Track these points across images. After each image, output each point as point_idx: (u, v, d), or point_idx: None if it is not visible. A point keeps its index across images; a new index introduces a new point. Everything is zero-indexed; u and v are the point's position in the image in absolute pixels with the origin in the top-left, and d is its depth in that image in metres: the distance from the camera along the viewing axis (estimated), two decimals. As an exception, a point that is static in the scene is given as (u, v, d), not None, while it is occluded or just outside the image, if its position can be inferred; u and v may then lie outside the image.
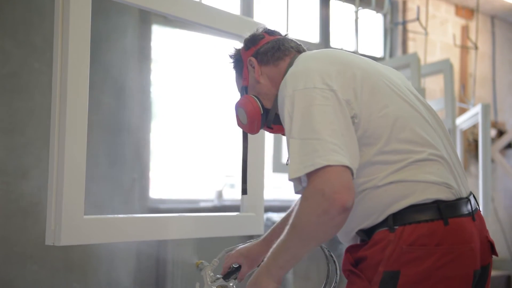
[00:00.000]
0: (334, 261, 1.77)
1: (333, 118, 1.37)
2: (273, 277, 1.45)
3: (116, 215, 1.98)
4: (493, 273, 6.03)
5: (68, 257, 3.26)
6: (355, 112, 1.42)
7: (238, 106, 1.71)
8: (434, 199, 1.41)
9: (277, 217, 4.04)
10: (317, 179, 1.31)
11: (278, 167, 4.02)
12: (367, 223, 1.45)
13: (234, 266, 1.87)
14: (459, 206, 1.44)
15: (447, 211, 1.41)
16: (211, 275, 1.83)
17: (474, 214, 1.48)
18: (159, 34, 4.09)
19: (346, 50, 1.69)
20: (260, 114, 1.67)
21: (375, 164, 1.42)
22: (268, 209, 4.21)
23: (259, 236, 1.99)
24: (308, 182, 1.34)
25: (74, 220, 1.80)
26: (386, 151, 1.43)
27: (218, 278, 1.84)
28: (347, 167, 1.32)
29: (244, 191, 1.83)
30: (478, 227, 1.48)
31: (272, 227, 1.91)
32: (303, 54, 1.64)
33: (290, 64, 1.63)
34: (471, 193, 1.54)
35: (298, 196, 1.58)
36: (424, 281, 1.37)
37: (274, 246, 1.45)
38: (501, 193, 6.53)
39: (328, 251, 1.75)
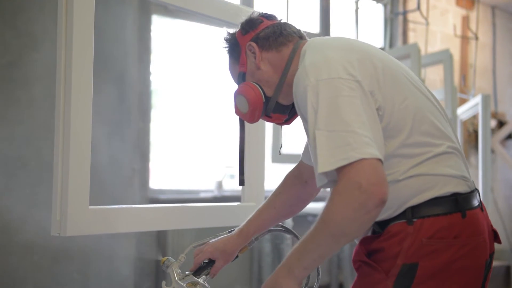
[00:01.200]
0: None
1: (361, 110, 1.33)
2: (295, 279, 1.38)
3: (121, 206, 1.98)
4: (493, 263, 6.05)
5: (68, 247, 3.27)
6: (380, 104, 1.39)
7: (239, 93, 1.63)
8: (453, 192, 1.41)
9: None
10: (352, 172, 1.26)
11: (277, 157, 4.02)
12: (384, 216, 1.43)
13: (204, 261, 1.80)
14: (472, 198, 1.45)
15: (464, 203, 1.41)
16: (178, 272, 1.74)
17: (482, 205, 1.50)
18: (159, 25, 4.08)
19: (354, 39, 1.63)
20: (262, 102, 1.60)
21: (397, 157, 1.41)
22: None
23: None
24: (340, 175, 1.29)
25: (79, 211, 1.80)
26: (408, 144, 1.41)
27: (187, 275, 1.76)
28: (379, 160, 1.29)
29: (242, 182, 1.78)
30: (485, 217, 1.50)
31: (248, 219, 1.84)
32: (314, 42, 1.55)
33: (293, 51, 1.57)
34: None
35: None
36: (441, 273, 1.37)
37: (297, 245, 1.38)
38: (501, 183, 6.54)
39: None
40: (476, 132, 5.93)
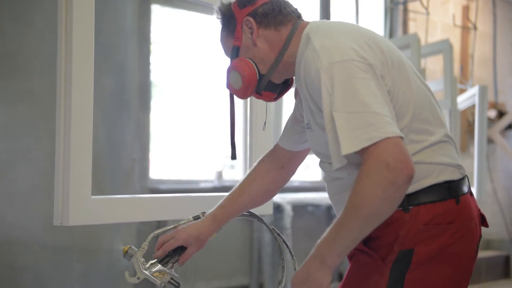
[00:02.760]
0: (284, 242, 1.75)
1: (376, 91, 1.34)
2: (329, 268, 1.37)
3: (122, 195, 1.98)
4: (492, 253, 6.07)
5: (69, 237, 3.27)
6: (389, 88, 1.40)
7: (233, 69, 1.58)
8: (447, 180, 1.44)
9: (279, 197, 4.05)
10: (378, 152, 1.27)
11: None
12: None
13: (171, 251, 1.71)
14: (463, 184, 1.48)
15: (457, 189, 1.44)
16: (142, 261, 1.66)
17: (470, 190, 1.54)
18: (159, 14, 4.07)
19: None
20: (256, 80, 1.57)
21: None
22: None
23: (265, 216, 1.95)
24: (365, 157, 1.29)
25: (81, 201, 1.80)
26: (411, 130, 1.43)
27: (152, 264, 1.68)
28: (401, 137, 1.30)
29: (233, 156, 1.76)
30: (475, 202, 1.54)
31: (220, 204, 1.81)
32: (318, 26, 1.53)
33: (292, 32, 1.55)
34: None
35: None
36: (436, 257, 1.40)
37: (327, 233, 1.36)
38: (500, 174, 6.54)
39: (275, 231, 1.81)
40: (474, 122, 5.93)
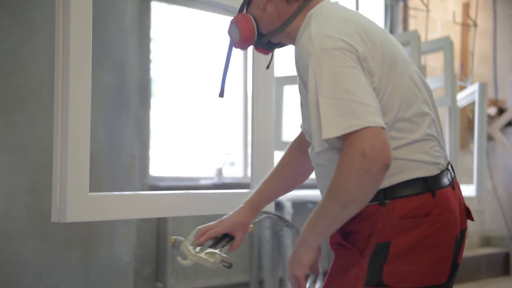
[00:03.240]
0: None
1: (364, 81, 1.38)
2: (310, 246, 1.46)
3: (121, 192, 1.98)
4: (492, 250, 6.08)
5: (69, 233, 3.28)
6: (375, 86, 1.43)
7: (234, 23, 1.65)
8: (423, 176, 1.47)
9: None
10: (357, 140, 1.31)
11: (279, 145, 4.03)
12: None
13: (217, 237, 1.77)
14: (442, 177, 1.50)
15: (434, 184, 1.47)
16: (190, 248, 1.71)
17: (453, 183, 1.55)
18: (159, 11, 4.07)
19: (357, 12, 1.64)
20: (254, 38, 1.64)
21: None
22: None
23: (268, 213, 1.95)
24: (345, 144, 1.33)
25: (79, 197, 1.80)
26: (393, 127, 1.45)
27: (201, 248, 1.74)
28: (383, 128, 1.34)
29: (221, 94, 1.79)
30: (457, 195, 1.55)
31: (256, 190, 1.86)
32: (322, 10, 1.55)
33: (300, 8, 1.59)
34: (448, 162, 1.59)
35: None
36: (413, 250, 1.43)
37: (312, 214, 1.43)
38: (500, 171, 6.55)
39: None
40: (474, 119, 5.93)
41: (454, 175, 1.59)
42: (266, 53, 1.73)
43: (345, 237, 1.51)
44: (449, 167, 1.56)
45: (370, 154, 1.30)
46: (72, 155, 1.79)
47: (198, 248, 1.73)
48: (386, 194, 1.44)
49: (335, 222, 1.41)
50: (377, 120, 1.33)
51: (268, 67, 1.88)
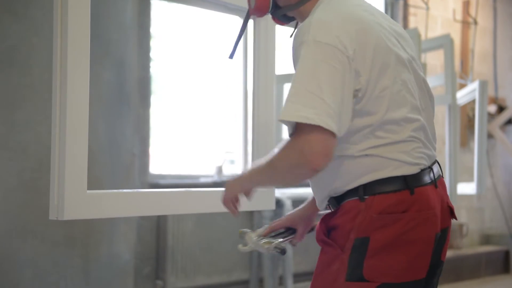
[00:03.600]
0: None
1: (340, 84, 1.41)
2: (242, 185, 1.62)
3: (119, 190, 1.98)
4: (492, 248, 6.08)
5: (69, 232, 3.28)
6: (361, 87, 1.46)
7: None
8: (402, 175, 1.51)
9: (277, 192, 4.05)
10: (303, 135, 1.38)
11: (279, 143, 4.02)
12: (337, 187, 1.55)
13: (280, 230, 1.88)
14: (423, 176, 1.54)
15: (412, 182, 1.51)
16: (252, 236, 1.82)
17: (437, 182, 1.58)
18: (159, 9, 4.07)
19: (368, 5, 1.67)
20: (268, 9, 1.71)
21: (360, 135, 1.50)
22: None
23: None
24: (296, 131, 1.41)
25: (77, 195, 1.80)
26: (375, 128, 1.49)
27: (262, 238, 1.84)
28: (334, 134, 1.38)
29: (231, 56, 1.86)
30: (439, 193, 1.58)
31: None
32: (331, 0, 1.60)
33: None
34: (436, 161, 1.63)
35: None
36: (391, 245, 1.48)
37: (257, 165, 1.55)
38: (500, 169, 6.55)
39: None
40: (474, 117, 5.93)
41: (441, 174, 1.64)
42: (282, 24, 1.78)
43: (328, 233, 1.56)
44: (434, 167, 1.60)
45: (306, 155, 1.37)
46: (70, 152, 1.79)
47: (260, 238, 1.83)
48: (366, 190, 1.49)
49: (266, 184, 1.68)
50: (331, 124, 1.37)
51: (291, 36, 1.94)
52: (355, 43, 1.45)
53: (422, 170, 1.53)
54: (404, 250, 1.48)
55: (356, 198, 1.50)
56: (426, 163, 1.56)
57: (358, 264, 1.48)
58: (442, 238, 1.61)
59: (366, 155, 1.50)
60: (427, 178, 1.54)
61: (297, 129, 1.40)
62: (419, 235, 1.50)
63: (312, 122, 1.36)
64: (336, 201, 1.57)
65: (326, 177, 1.54)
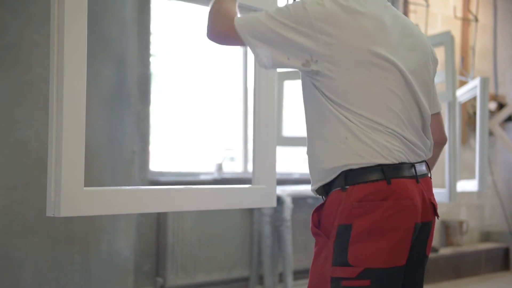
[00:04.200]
0: None
1: (282, 28, 1.62)
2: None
3: (116, 187, 1.97)
4: (492, 245, 6.09)
5: (69, 229, 3.28)
6: (319, 69, 1.63)
7: None
8: (379, 163, 1.61)
9: (279, 190, 4.05)
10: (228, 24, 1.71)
11: (279, 141, 4.02)
12: (323, 173, 1.68)
13: None
14: (401, 169, 1.63)
15: (389, 173, 1.61)
16: None
17: (419, 178, 1.67)
18: (159, 6, 4.06)
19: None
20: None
21: (338, 120, 1.64)
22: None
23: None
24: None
25: (73, 192, 1.80)
26: (355, 115, 1.62)
27: None
28: (235, 27, 1.67)
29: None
30: (421, 188, 1.67)
31: None
32: None
33: None
34: (423, 161, 1.73)
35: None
36: (372, 231, 1.58)
37: None
38: (500, 166, 6.55)
39: None
40: (476, 114, 5.92)
41: (428, 175, 1.75)
42: None
43: (319, 225, 1.68)
44: (418, 165, 1.69)
45: (216, 23, 1.75)
46: (67, 149, 1.78)
47: None
48: (347, 180, 1.61)
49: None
50: (243, 29, 1.65)
51: None
52: (339, 23, 1.60)
53: (401, 164, 1.63)
54: (385, 237, 1.58)
55: (339, 188, 1.62)
56: (405, 159, 1.65)
57: (343, 250, 1.58)
58: (424, 232, 1.70)
59: (347, 138, 1.62)
60: (406, 172, 1.64)
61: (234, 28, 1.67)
62: (398, 223, 1.59)
63: (234, 23, 1.66)
64: (325, 191, 1.69)
65: (312, 158, 1.70)
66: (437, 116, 1.90)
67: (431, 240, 1.75)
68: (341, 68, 1.61)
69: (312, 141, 1.71)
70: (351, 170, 1.61)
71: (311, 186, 1.76)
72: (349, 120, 1.62)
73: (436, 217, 1.75)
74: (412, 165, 1.66)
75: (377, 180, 1.59)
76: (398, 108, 1.65)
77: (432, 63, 1.82)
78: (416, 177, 1.66)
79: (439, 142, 1.93)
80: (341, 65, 1.61)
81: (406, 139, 1.66)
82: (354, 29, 1.61)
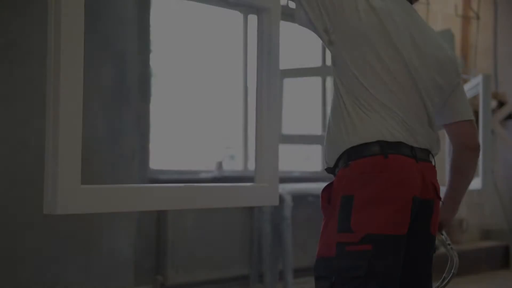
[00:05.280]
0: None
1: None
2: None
3: (114, 185, 1.96)
4: (492, 243, 6.08)
5: (68, 226, 3.28)
6: (333, 38, 1.79)
7: None
8: (378, 139, 1.74)
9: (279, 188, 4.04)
10: None
11: (280, 139, 4.01)
12: (332, 159, 1.83)
13: None
14: (399, 147, 1.76)
15: (387, 148, 1.74)
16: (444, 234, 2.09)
17: (419, 160, 1.79)
18: (159, 3, 4.05)
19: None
20: None
21: (343, 101, 1.79)
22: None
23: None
24: None
25: (70, 189, 1.79)
26: (362, 90, 1.77)
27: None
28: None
29: None
30: (420, 168, 1.79)
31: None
32: None
33: None
34: (426, 149, 1.83)
35: None
36: (372, 200, 1.71)
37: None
38: (500, 164, 6.54)
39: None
40: (477, 112, 5.91)
41: (430, 161, 1.84)
42: None
43: (329, 201, 1.80)
44: (417, 150, 1.78)
45: None
46: (63, 146, 1.77)
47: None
48: (350, 157, 1.76)
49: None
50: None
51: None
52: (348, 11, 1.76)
53: (399, 143, 1.76)
54: (385, 206, 1.71)
55: (344, 166, 1.77)
56: (404, 139, 1.76)
57: (347, 218, 1.72)
58: (426, 210, 1.81)
59: (358, 114, 1.77)
60: (405, 150, 1.76)
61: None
62: (396, 194, 1.72)
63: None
64: (334, 170, 1.84)
65: (326, 140, 1.85)
66: (468, 123, 2.06)
67: (436, 220, 1.86)
68: (350, 44, 1.78)
69: (329, 127, 1.86)
70: (352, 147, 1.76)
71: (328, 163, 1.89)
72: (356, 98, 1.77)
73: (439, 199, 1.85)
74: (412, 148, 1.78)
75: (375, 154, 1.73)
76: (400, 94, 1.79)
77: (452, 74, 1.93)
78: (415, 158, 1.78)
79: (472, 147, 2.06)
80: (350, 41, 1.79)
81: (407, 124, 1.79)
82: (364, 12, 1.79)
